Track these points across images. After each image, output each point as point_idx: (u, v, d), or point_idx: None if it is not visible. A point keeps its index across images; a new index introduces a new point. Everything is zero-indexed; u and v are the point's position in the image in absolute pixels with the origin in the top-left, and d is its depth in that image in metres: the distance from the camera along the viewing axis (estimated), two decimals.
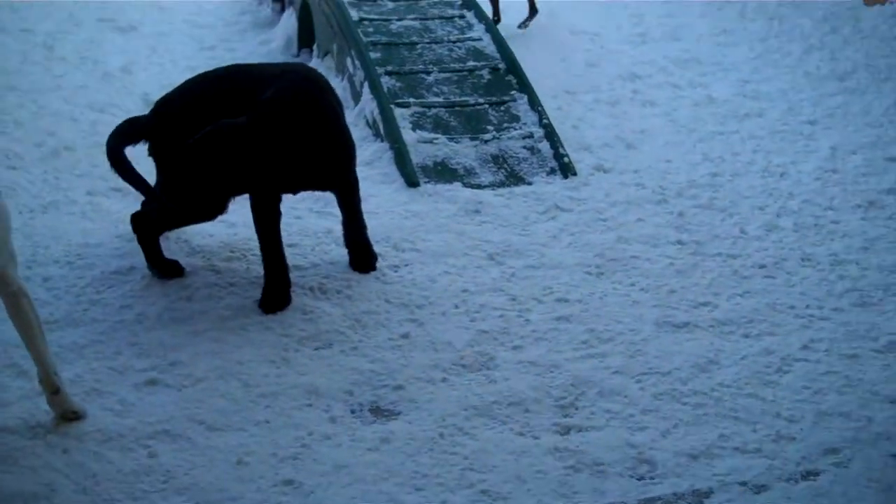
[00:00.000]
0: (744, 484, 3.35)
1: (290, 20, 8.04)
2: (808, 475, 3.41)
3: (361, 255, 4.69)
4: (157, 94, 6.76)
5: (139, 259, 4.60)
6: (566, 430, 3.61)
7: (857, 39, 8.68)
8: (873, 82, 7.61)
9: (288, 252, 4.66)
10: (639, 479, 3.37)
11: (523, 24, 8.37)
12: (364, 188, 5.38)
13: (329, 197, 4.88)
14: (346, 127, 4.58)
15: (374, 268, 4.66)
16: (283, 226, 4.47)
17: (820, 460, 3.48)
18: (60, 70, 7.38)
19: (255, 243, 4.61)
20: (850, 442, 3.57)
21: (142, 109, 6.56)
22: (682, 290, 4.61)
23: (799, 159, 6.17)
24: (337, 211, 4.77)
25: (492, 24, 6.93)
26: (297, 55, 7.77)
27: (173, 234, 4.88)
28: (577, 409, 3.74)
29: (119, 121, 6.24)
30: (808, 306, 4.50)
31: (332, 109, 4.45)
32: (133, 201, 5.17)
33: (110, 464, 3.33)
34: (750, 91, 7.44)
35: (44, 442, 3.42)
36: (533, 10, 8.46)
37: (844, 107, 7.11)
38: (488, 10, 7.36)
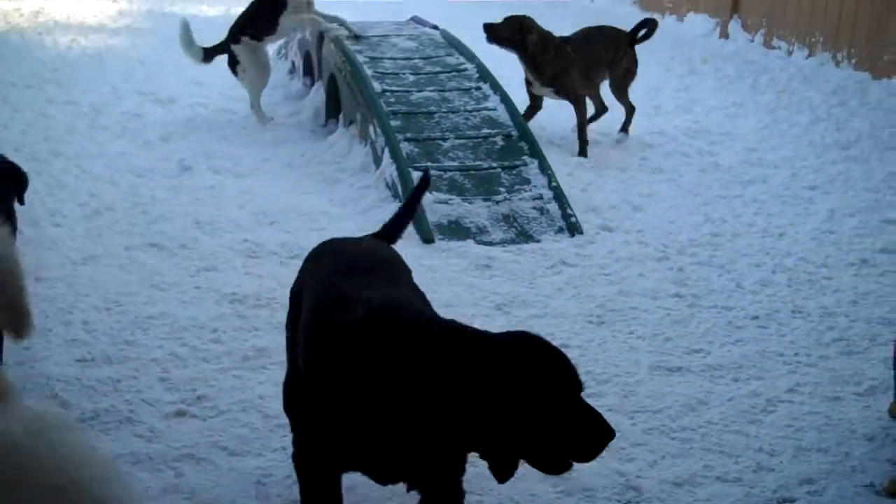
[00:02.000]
0: None
1: (318, 93, 8.48)
2: (784, 502, 3.66)
3: None
4: (193, 161, 7.28)
5: (171, 306, 4.98)
6: None
7: (864, 111, 9.06)
8: (876, 150, 7.93)
9: None
10: None
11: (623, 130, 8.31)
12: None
13: None
14: None
15: None
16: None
17: (796, 489, 3.74)
18: (103, 138, 7.86)
19: (280, 292, 4.99)
20: (826, 474, 3.83)
21: (178, 174, 7.05)
22: (678, 338, 4.90)
23: (798, 221, 6.47)
24: None
25: (506, 96, 7.32)
26: (325, 125, 8.20)
27: (204, 283, 5.26)
28: None
29: (156, 183, 6.74)
30: (796, 354, 4.77)
31: None
32: (167, 255, 5.58)
33: (140, 482, 3.65)
34: (755, 159, 7.77)
35: None
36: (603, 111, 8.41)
37: (846, 173, 7.43)
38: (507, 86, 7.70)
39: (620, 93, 8.22)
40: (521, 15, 7.74)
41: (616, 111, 8.32)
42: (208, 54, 8.46)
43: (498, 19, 7.77)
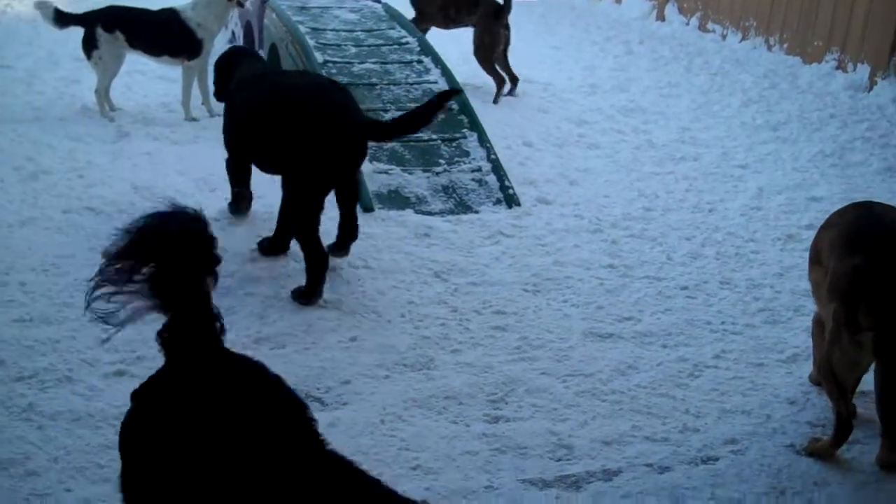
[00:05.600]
0: (649, 465, 3.76)
1: None
2: (708, 460, 3.83)
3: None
4: (130, 127, 7.24)
5: None
6: (495, 420, 4.01)
7: (794, 95, 9.30)
8: (804, 132, 8.17)
9: (250, 265, 5.10)
10: (557, 461, 3.76)
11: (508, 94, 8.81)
12: (324, 213, 5.80)
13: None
14: None
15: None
16: (244, 240, 4.85)
17: (720, 448, 3.91)
18: (39, 103, 7.76)
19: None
20: (748, 435, 4.01)
21: (116, 140, 7.01)
22: (610, 307, 5.05)
23: (727, 198, 6.66)
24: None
25: (447, 69, 7.39)
26: None
27: None
28: (506, 403, 4.14)
29: (94, 149, 6.70)
30: (723, 322, 4.95)
31: None
32: (105, 219, 5.57)
33: (80, 439, 3.68)
34: (688, 138, 7.96)
35: (20, 419, 3.77)
36: (515, 81, 8.92)
37: (775, 153, 7.65)
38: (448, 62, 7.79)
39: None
40: None
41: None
42: (63, 19, 7.47)
43: None
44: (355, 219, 5.18)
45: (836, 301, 3.76)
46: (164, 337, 2.60)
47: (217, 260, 2.62)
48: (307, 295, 4.83)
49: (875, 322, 3.63)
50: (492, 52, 8.71)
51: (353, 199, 5.16)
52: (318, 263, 4.81)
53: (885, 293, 3.64)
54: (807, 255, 5.73)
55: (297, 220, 4.89)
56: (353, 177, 5.11)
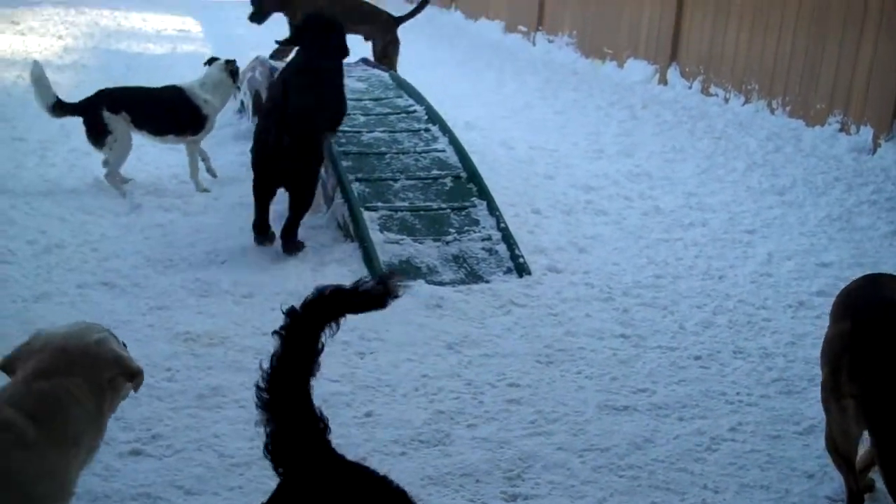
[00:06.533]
0: None
1: None
2: None
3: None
4: (142, 198, 7.30)
5: None
6: (513, 498, 3.98)
7: (798, 158, 9.37)
8: (810, 196, 8.22)
9: (262, 340, 5.10)
10: None
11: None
12: (335, 283, 5.80)
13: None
14: None
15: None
16: (259, 319, 4.86)
17: None
18: (51, 175, 7.84)
19: (233, 331, 5.06)
20: None
21: (128, 212, 7.06)
22: (624, 378, 5.04)
23: (737, 264, 6.68)
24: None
25: (455, 138, 7.47)
26: None
27: (156, 322, 5.28)
28: (523, 479, 4.11)
29: (107, 221, 6.74)
30: (738, 393, 4.93)
31: None
32: (119, 293, 5.59)
33: None
34: (695, 203, 8.01)
35: None
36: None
37: (782, 218, 7.69)
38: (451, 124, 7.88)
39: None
40: None
41: None
42: (61, 108, 7.41)
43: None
44: None
45: (824, 367, 3.78)
46: (272, 450, 2.54)
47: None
48: None
49: (857, 388, 3.56)
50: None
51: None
52: None
53: (868, 358, 3.58)
54: (818, 322, 5.82)
55: None
56: None
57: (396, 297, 2.54)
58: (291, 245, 6.37)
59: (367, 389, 4.78)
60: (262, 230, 6.44)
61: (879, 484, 3.98)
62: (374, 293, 2.47)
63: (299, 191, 6.37)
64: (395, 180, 6.91)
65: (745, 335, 5.60)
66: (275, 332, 2.52)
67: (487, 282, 6.13)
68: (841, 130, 9.71)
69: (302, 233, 6.72)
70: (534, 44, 15.66)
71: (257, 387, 2.50)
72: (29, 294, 5.57)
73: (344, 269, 6.09)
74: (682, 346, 5.44)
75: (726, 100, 11.47)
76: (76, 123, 9.03)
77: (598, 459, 4.29)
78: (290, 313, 2.51)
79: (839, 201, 8.07)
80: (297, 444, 2.54)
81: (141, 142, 8.22)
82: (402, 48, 10.18)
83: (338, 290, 2.49)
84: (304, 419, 2.56)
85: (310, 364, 2.56)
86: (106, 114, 7.40)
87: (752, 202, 8.07)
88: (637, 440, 4.45)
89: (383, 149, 7.29)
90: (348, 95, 8.08)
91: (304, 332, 2.52)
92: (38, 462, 2.83)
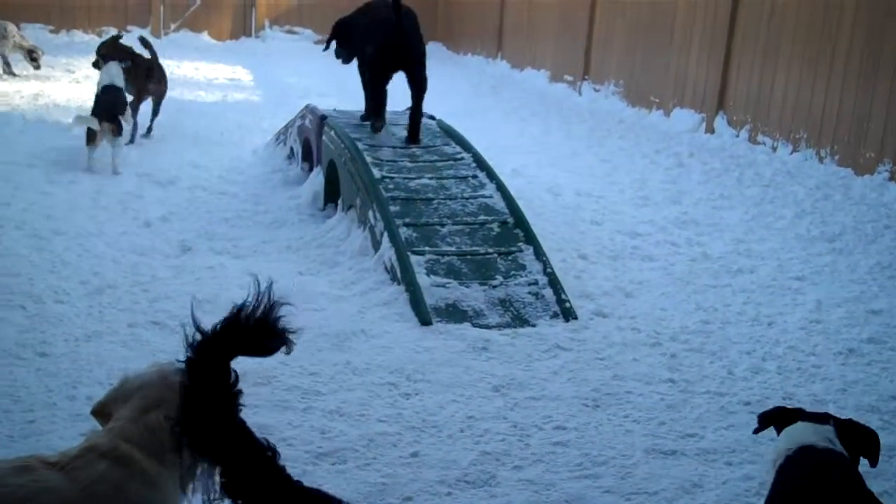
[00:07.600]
0: None
1: (317, 178, 8.66)
2: None
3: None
4: (193, 241, 7.43)
5: None
6: None
7: (847, 206, 9.28)
8: (860, 244, 8.14)
9: (308, 380, 5.15)
10: None
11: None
12: (381, 326, 5.90)
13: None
14: None
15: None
16: (303, 352, 4.89)
17: None
18: (103, 218, 8.00)
19: (279, 371, 5.10)
20: None
21: (179, 254, 7.18)
22: (672, 423, 5.00)
23: (786, 311, 6.62)
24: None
25: (502, 184, 7.52)
26: (323, 209, 8.36)
27: None
28: None
29: (158, 263, 6.86)
30: None
31: None
32: (169, 333, 5.67)
33: None
34: (743, 250, 7.96)
35: None
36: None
37: (832, 265, 7.61)
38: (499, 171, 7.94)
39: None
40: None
41: None
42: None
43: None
44: None
45: None
46: (225, 486, 2.55)
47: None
48: None
49: None
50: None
51: None
52: None
53: None
54: (868, 370, 5.74)
55: None
56: None
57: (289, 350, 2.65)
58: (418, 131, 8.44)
59: (413, 430, 4.78)
60: (380, 113, 8.49)
61: None
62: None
63: (420, 72, 8.33)
64: (443, 225, 6.96)
65: (794, 381, 5.54)
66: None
67: (534, 325, 6.12)
68: (891, 179, 9.62)
69: (350, 276, 6.79)
70: (580, 93, 15.74)
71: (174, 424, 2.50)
72: (81, 333, 5.67)
73: (391, 311, 6.13)
74: (730, 391, 5.38)
75: (774, 148, 11.42)
76: (125, 168, 9.31)
77: (646, 503, 4.25)
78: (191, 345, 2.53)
79: (889, 249, 7.98)
80: (248, 475, 2.54)
81: (193, 184, 8.38)
82: (448, 98, 10.27)
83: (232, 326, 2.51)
84: (247, 451, 2.56)
85: (227, 396, 2.57)
86: None
87: (801, 249, 8.01)
88: (685, 485, 4.40)
89: (430, 195, 7.35)
90: (395, 145, 8.25)
91: (209, 366, 2.54)
92: (161, 496, 2.91)
